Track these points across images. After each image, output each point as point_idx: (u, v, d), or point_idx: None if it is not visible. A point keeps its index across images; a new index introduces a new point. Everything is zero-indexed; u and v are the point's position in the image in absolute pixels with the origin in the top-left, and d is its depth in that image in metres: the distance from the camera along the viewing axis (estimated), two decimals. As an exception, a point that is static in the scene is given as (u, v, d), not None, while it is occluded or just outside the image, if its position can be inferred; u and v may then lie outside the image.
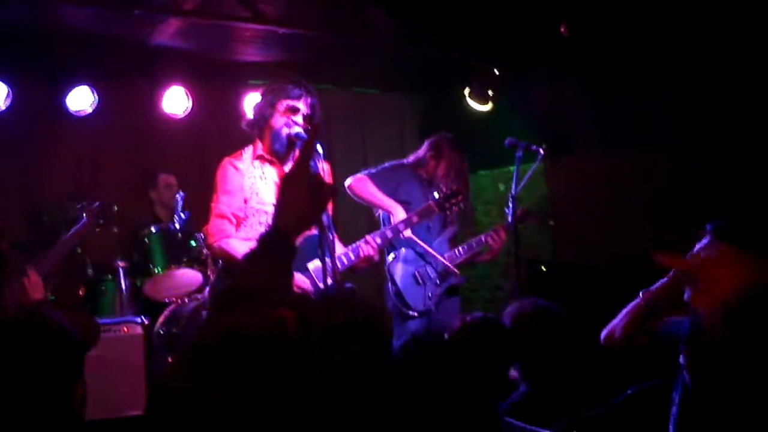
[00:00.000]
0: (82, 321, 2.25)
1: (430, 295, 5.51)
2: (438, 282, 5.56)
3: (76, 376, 1.98)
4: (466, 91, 7.27)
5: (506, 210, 5.64)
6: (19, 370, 1.87)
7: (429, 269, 5.56)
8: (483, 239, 5.65)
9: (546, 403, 3.29)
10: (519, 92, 7.29)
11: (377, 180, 5.58)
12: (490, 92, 7.20)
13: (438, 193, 5.05)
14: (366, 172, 5.66)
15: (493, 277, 7.66)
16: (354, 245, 4.71)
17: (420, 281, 5.53)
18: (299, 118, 4.48)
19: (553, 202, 7.32)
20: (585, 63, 6.71)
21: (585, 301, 6.14)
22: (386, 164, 5.84)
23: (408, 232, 5.21)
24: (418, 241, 5.41)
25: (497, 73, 7.16)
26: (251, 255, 1.93)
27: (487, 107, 7.25)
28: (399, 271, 5.53)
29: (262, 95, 4.62)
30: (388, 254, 5.56)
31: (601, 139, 6.92)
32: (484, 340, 2.93)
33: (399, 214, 5.27)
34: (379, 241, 4.78)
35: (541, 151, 5.58)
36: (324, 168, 4.39)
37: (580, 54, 6.57)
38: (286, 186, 2.06)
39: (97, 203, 4.90)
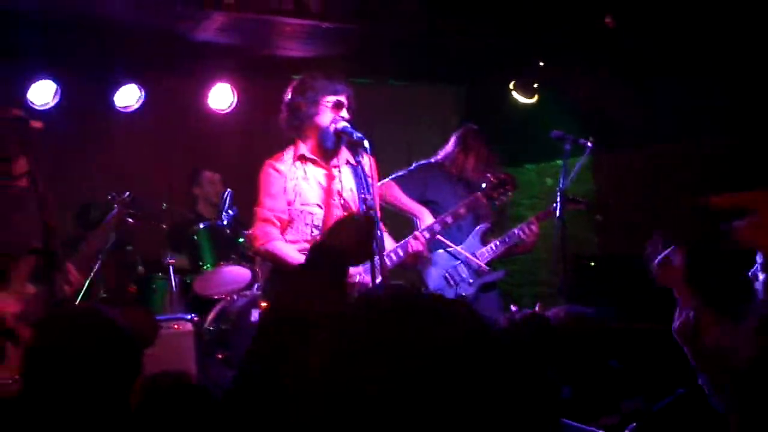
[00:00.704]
0: (139, 318, 2.27)
1: (463, 294, 5.48)
2: (471, 281, 5.51)
3: (133, 373, 1.99)
4: (511, 83, 7.22)
5: (554, 205, 5.58)
6: (72, 365, 1.89)
7: (460, 269, 5.51)
8: (516, 233, 5.54)
9: (590, 405, 3.29)
10: (564, 85, 7.21)
11: (405, 183, 5.52)
12: (535, 84, 7.14)
13: (486, 183, 4.99)
14: (393, 176, 5.59)
15: (538, 272, 7.60)
16: (402, 242, 4.70)
17: (452, 282, 5.49)
18: (345, 113, 4.47)
19: (600, 196, 7.25)
20: (630, 54, 6.63)
21: (633, 297, 6.09)
22: (413, 165, 5.79)
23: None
24: (446, 242, 5.38)
25: (542, 65, 7.10)
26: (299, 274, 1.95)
27: (532, 100, 7.20)
28: (430, 274, 5.51)
29: (300, 93, 4.51)
30: None
31: (647, 132, 6.83)
32: (534, 336, 2.92)
33: (426, 218, 5.21)
34: (427, 235, 4.77)
35: (590, 144, 5.53)
36: (369, 163, 4.39)
37: (625, 45, 6.49)
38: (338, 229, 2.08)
39: (127, 193, 4.93)
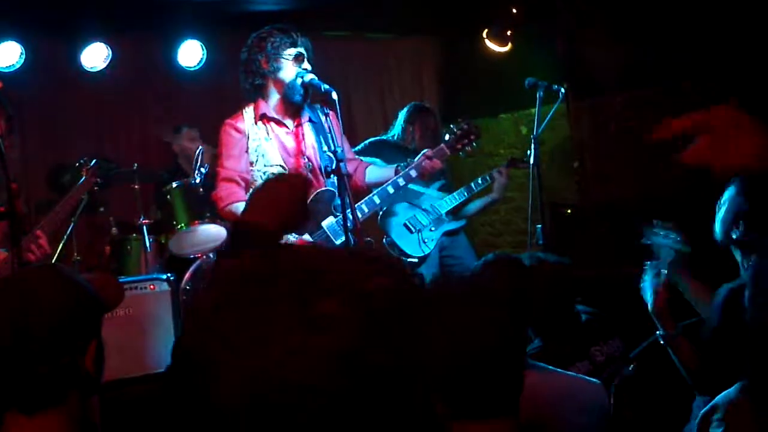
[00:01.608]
0: (103, 281, 2.23)
1: (425, 240, 5.59)
2: (433, 228, 5.65)
3: (89, 334, 1.96)
4: (485, 32, 7.14)
5: (527, 152, 5.60)
6: (27, 324, 1.85)
7: (419, 216, 5.65)
8: (480, 182, 5.77)
9: (561, 354, 3.30)
10: (539, 32, 7.15)
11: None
12: (508, 33, 7.06)
13: (449, 134, 4.96)
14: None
15: (517, 221, 7.61)
16: (408, 168, 4.64)
17: (412, 229, 5.61)
18: (307, 65, 4.40)
19: (576, 144, 7.23)
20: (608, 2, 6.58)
21: (610, 244, 6.12)
22: (367, 141, 5.94)
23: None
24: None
25: (516, 12, 7.01)
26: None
27: (506, 48, 7.12)
28: (391, 224, 5.62)
29: (258, 50, 4.40)
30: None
31: (624, 78, 6.79)
32: (509, 277, 2.92)
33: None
34: (402, 182, 4.70)
35: (563, 91, 5.52)
36: (336, 115, 4.32)
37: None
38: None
39: (94, 160, 4.87)
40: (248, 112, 4.48)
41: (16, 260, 3.46)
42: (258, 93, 4.48)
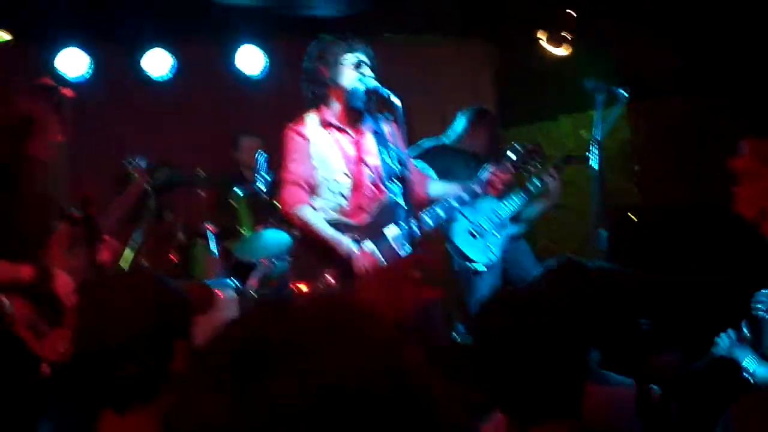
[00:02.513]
0: (195, 288, 2.30)
1: (489, 246, 5.61)
2: (496, 233, 5.65)
3: (180, 336, 2.01)
4: (543, 35, 7.10)
5: (589, 155, 5.55)
6: (121, 325, 1.92)
7: (483, 221, 5.67)
8: (537, 184, 5.75)
9: (618, 364, 3.27)
10: (598, 34, 7.09)
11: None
12: (567, 36, 7.03)
13: (514, 153, 4.93)
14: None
15: (578, 227, 7.54)
16: (472, 183, 4.65)
17: (476, 235, 5.62)
18: (367, 71, 4.42)
19: (636, 147, 7.16)
20: (663, 3, 6.51)
21: (676, 248, 6.04)
22: (423, 146, 5.88)
23: None
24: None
25: (573, 15, 6.97)
26: None
27: (564, 51, 7.08)
28: (453, 230, 5.63)
29: (317, 58, 4.46)
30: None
31: (683, 80, 6.72)
32: (571, 282, 2.90)
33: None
34: (456, 204, 4.69)
35: (624, 93, 5.47)
36: (398, 120, 4.35)
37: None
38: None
39: (143, 162, 4.92)
40: (311, 117, 4.52)
41: (92, 265, 3.55)
42: (320, 101, 4.51)
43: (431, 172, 5.37)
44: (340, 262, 4.32)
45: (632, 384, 2.85)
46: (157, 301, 1.98)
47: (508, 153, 4.99)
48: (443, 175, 5.49)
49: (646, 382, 3.17)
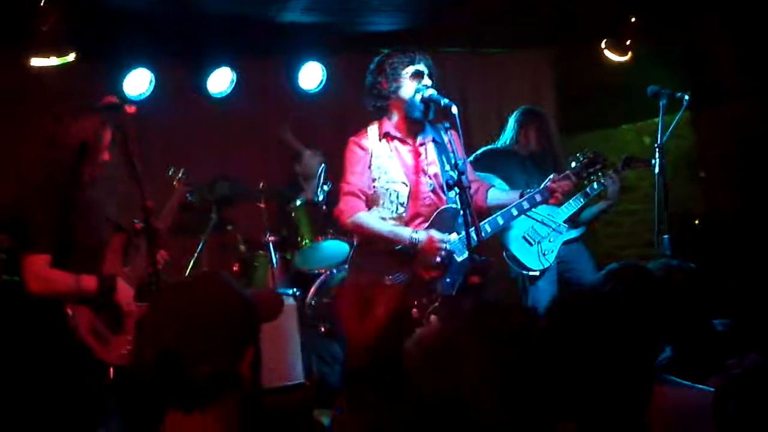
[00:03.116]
0: (265, 294, 2.33)
1: (544, 252, 5.56)
2: (551, 238, 5.60)
3: (248, 342, 2.02)
4: (603, 42, 7.04)
5: (652, 161, 5.47)
6: (191, 326, 1.93)
7: (537, 227, 5.60)
8: (596, 185, 5.65)
9: (693, 368, 3.19)
10: (659, 40, 7.00)
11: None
12: (628, 42, 6.95)
13: (575, 162, 4.89)
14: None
15: (643, 234, 7.43)
16: (533, 192, 4.61)
17: (531, 241, 5.58)
18: (427, 80, 4.45)
19: (701, 152, 7.03)
20: (726, 3, 6.40)
21: (740, 254, 5.91)
22: (478, 152, 5.88)
23: None
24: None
25: (634, 21, 6.89)
26: None
27: (626, 57, 7.01)
28: (509, 238, 5.60)
29: (378, 73, 4.54)
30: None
31: (749, 84, 6.58)
32: (635, 288, 2.84)
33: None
34: (515, 213, 4.66)
35: (687, 99, 5.38)
36: (458, 130, 4.34)
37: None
38: None
39: (182, 171, 4.98)
40: (373, 129, 4.60)
41: (152, 274, 3.63)
42: (382, 113, 4.59)
43: (495, 180, 5.36)
44: (401, 267, 4.35)
45: (710, 390, 2.77)
46: (231, 306, 2.00)
47: (571, 162, 4.94)
48: (497, 176, 5.49)
49: (726, 389, 3.09)
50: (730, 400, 3.06)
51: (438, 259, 4.26)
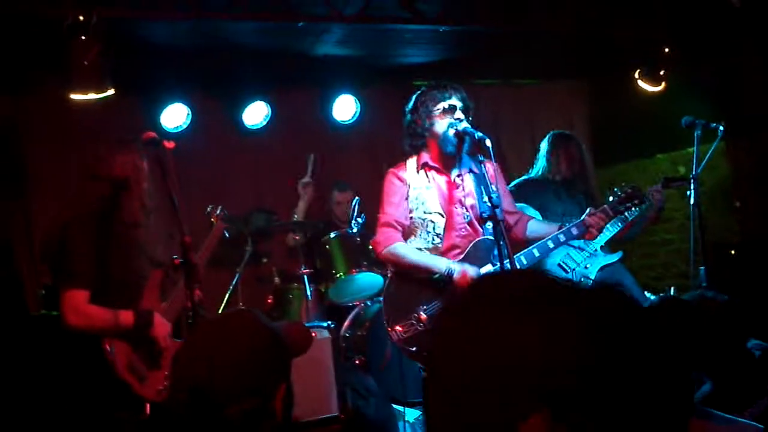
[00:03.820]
0: (293, 329, 2.34)
1: (581, 279, 5.51)
2: (588, 264, 5.55)
3: (280, 378, 2.03)
4: (637, 72, 7.04)
5: (687, 193, 5.43)
6: (222, 364, 1.95)
7: (573, 254, 5.56)
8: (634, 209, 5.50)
9: (732, 401, 3.18)
10: (693, 70, 6.98)
11: None
12: (661, 72, 6.94)
13: (613, 196, 4.85)
14: None
15: (678, 264, 7.38)
16: (570, 225, 4.59)
17: (567, 269, 5.54)
18: (459, 114, 4.47)
19: (737, 182, 6.98)
20: (760, 35, 6.37)
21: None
22: (512, 184, 5.80)
23: None
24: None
25: (668, 51, 6.89)
26: None
27: (659, 88, 7.00)
28: (543, 266, 5.49)
29: (413, 111, 4.59)
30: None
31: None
32: (675, 320, 2.83)
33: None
34: (551, 245, 4.64)
35: (721, 129, 5.36)
36: (492, 162, 4.41)
37: (754, 25, 6.24)
38: None
39: (219, 208, 5.04)
40: (411, 162, 4.63)
41: (191, 311, 3.66)
42: (420, 149, 4.62)
43: (529, 210, 5.34)
44: (435, 296, 4.36)
45: (758, 426, 2.74)
46: (261, 343, 2.02)
47: (609, 197, 4.89)
48: (535, 209, 5.47)
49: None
50: None
51: None
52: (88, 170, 4.04)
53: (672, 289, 5.38)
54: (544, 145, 5.95)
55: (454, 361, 1.07)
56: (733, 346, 3.28)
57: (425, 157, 4.59)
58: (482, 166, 4.38)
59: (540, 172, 5.89)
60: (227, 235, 4.93)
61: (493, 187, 4.27)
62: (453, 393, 1.07)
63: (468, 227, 4.52)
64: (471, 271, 4.29)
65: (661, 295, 3.30)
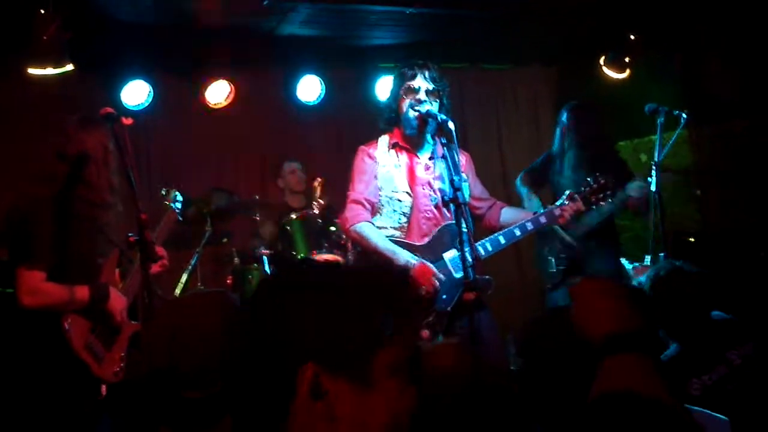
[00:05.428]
0: None
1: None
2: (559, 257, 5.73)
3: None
4: (602, 59, 7.05)
5: (648, 179, 5.44)
6: (185, 347, 1.90)
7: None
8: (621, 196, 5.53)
9: (694, 365, 3.35)
10: (658, 58, 7.01)
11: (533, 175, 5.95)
12: (626, 59, 6.96)
13: (585, 186, 4.84)
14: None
15: (637, 251, 7.41)
16: (538, 214, 4.62)
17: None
18: (422, 95, 4.44)
19: (699, 171, 7.02)
20: (727, 24, 6.40)
21: (736, 272, 5.90)
22: (537, 161, 6.02)
23: None
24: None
25: (633, 38, 6.91)
26: None
27: (624, 75, 7.02)
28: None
29: (385, 91, 4.73)
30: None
31: (748, 103, 6.57)
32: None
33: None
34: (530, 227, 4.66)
35: (684, 116, 5.37)
36: (463, 157, 4.47)
37: (720, 14, 6.27)
38: None
39: (173, 190, 4.99)
40: (383, 140, 4.63)
41: (145, 289, 3.61)
42: (392, 127, 4.61)
43: (532, 200, 5.51)
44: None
45: (723, 419, 2.79)
46: (227, 324, 1.92)
47: (581, 187, 4.86)
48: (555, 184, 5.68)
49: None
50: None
51: (423, 292, 4.23)
52: (52, 148, 3.96)
53: (647, 258, 5.42)
54: (557, 122, 6.00)
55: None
56: (699, 314, 3.44)
57: (397, 135, 4.58)
58: (449, 149, 4.35)
59: (558, 147, 5.89)
60: (180, 218, 4.87)
61: (464, 175, 4.26)
62: None
63: (434, 210, 4.51)
64: (431, 270, 4.28)
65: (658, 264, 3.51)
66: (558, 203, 4.67)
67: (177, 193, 4.85)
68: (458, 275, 4.26)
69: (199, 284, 5.84)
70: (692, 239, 6.48)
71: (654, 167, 5.31)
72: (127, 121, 3.95)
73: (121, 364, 4.00)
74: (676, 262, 3.62)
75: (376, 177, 4.54)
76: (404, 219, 4.50)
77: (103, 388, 3.91)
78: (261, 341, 1.38)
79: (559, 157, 5.84)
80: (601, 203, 4.85)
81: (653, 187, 5.32)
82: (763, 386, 3.27)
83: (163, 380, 1.87)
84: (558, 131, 5.93)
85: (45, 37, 5.21)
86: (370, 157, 4.57)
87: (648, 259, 5.45)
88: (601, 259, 5.82)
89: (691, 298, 3.43)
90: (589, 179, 4.81)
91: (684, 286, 3.44)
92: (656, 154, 5.34)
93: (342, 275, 1.42)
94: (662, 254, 5.38)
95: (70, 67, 5.34)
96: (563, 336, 2.04)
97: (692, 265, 3.56)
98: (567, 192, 4.71)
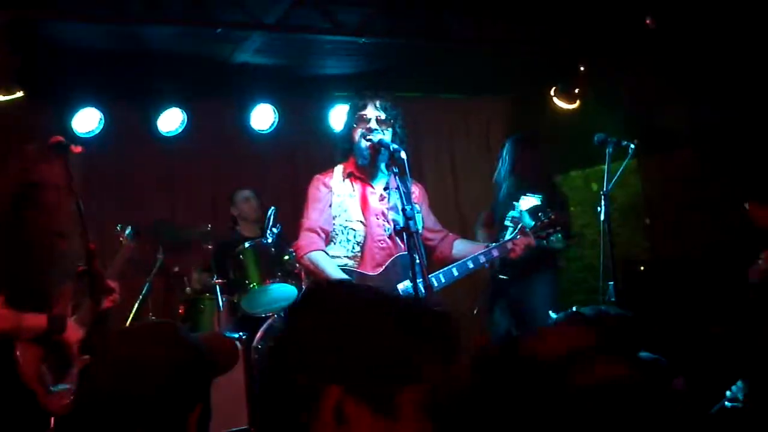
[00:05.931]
0: (219, 343, 2.23)
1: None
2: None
3: (198, 397, 1.90)
4: (552, 90, 7.16)
5: (598, 209, 5.51)
6: (133, 379, 1.83)
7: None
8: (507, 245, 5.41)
9: None
10: (607, 89, 7.12)
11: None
12: (576, 90, 7.07)
13: (536, 221, 4.89)
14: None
15: (589, 279, 7.49)
16: (491, 247, 4.66)
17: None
18: (373, 124, 4.47)
19: (647, 200, 7.14)
20: (672, 54, 6.53)
21: (685, 298, 6.00)
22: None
23: None
24: None
25: (583, 70, 7.02)
26: None
27: (574, 105, 7.13)
28: None
29: (343, 117, 4.69)
30: None
31: (695, 133, 6.71)
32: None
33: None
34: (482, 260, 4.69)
35: (633, 147, 5.46)
36: (417, 189, 4.54)
37: (668, 47, 6.40)
38: None
39: (129, 227, 4.94)
40: (338, 169, 4.63)
41: (95, 316, 3.56)
42: (346, 156, 4.62)
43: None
44: None
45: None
46: (180, 360, 1.87)
47: (532, 222, 4.91)
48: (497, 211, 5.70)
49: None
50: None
51: None
52: (11, 177, 3.90)
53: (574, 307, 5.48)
54: (502, 151, 6.07)
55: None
56: (623, 355, 3.40)
57: (351, 166, 4.59)
58: (401, 179, 4.35)
59: (501, 176, 5.97)
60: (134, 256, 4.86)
61: (417, 206, 4.28)
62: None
63: (388, 240, 4.52)
64: None
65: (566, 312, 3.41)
66: (509, 237, 4.72)
67: (131, 228, 4.83)
68: None
69: (150, 315, 5.77)
70: (642, 268, 6.58)
71: (603, 197, 5.40)
72: (77, 149, 3.90)
73: (71, 397, 3.93)
74: (600, 306, 3.62)
75: (330, 206, 4.54)
76: (358, 248, 4.50)
77: (52, 421, 3.84)
78: (286, 356, 1.39)
79: (499, 186, 5.93)
80: (552, 239, 4.92)
81: (602, 217, 5.40)
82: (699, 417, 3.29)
83: (111, 414, 1.82)
84: (499, 162, 6.05)
85: (-8, 64, 5.16)
86: (325, 185, 4.58)
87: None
88: (539, 298, 5.84)
89: (612, 342, 3.41)
90: (540, 215, 4.88)
91: (605, 331, 3.43)
92: (605, 184, 5.43)
93: (389, 302, 1.44)
94: (611, 283, 5.45)
95: (19, 93, 5.28)
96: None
97: (628, 307, 3.53)
98: (519, 226, 4.76)
